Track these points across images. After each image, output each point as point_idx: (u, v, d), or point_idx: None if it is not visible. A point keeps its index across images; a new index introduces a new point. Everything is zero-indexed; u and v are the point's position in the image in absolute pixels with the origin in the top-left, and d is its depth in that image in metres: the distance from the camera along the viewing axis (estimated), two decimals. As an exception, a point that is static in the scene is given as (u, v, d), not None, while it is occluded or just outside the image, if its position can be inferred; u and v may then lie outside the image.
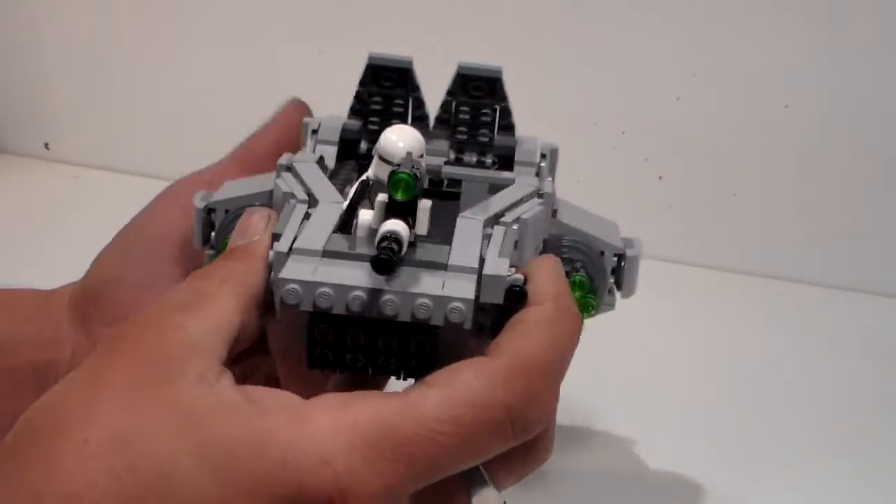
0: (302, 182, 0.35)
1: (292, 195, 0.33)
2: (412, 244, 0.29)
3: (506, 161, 0.41)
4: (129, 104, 0.85)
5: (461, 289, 0.28)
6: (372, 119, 0.40)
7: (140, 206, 0.42)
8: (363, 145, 0.40)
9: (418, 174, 0.28)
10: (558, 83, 0.77)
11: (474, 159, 0.40)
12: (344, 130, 0.41)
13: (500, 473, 0.29)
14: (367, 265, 0.27)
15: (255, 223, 0.32)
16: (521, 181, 0.38)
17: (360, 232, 0.30)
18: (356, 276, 0.28)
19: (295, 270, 0.28)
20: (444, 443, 0.25)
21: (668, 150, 0.76)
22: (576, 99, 0.77)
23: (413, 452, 0.25)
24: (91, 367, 0.27)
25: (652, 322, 0.67)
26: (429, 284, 0.28)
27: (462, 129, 0.40)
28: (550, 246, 0.37)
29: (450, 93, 0.41)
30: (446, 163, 0.40)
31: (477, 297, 0.29)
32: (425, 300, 0.28)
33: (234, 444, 0.24)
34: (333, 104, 0.85)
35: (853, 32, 0.70)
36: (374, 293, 0.28)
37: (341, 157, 0.40)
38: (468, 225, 0.32)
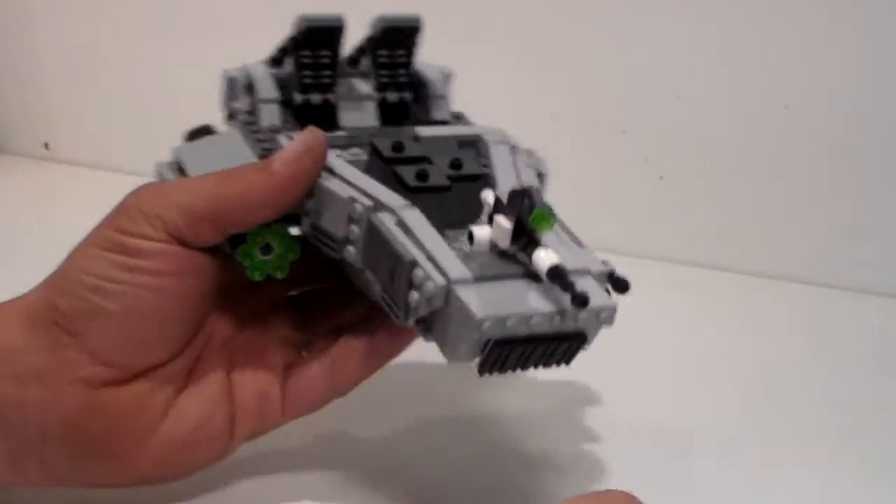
0: (352, 184, 0.36)
1: (354, 200, 0.35)
2: (507, 254, 0.32)
3: (418, 92, 0.46)
4: (129, 104, 0.85)
5: (601, 296, 0.32)
6: (305, 73, 0.42)
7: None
8: (298, 97, 0.42)
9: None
10: (558, 83, 0.77)
11: (396, 97, 0.44)
12: (281, 88, 0.43)
13: None
14: (525, 281, 0.31)
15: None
16: (490, 137, 0.42)
17: (481, 247, 0.33)
18: (532, 299, 0.31)
19: (480, 306, 0.30)
20: None
21: (668, 150, 0.76)
22: (576, 99, 0.77)
23: None
24: None
25: (652, 322, 0.67)
26: (564, 299, 0.31)
27: (383, 71, 0.44)
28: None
29: (370, 39, 0.44)
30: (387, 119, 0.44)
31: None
32: (587, 314, 0.31)
33: None
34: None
35: (853, 32, 0.70)
36: (554, 313, 0.31)
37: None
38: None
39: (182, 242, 0.36)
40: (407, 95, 0.45)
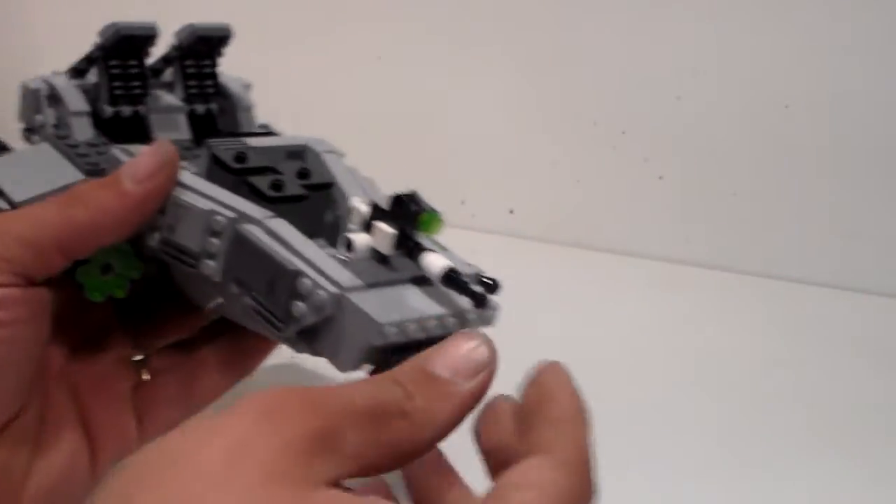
0: (208, 196, 0.34)
1: (214, 213, 0.34)
2: (387, 260, 0.32)
3: (222, 105, 0.45)
4: None
5: (465, 301, 0.31)
6: (115, 84, 0.41)
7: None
8: (108, 109, 0.41)
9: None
10: (558, 83, 0.77)
11: (203, 109, 0.44)
12: (91, 101, 0.42)
13: None
14: (413, 286, 0.31)
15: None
16: (317, 147, 0.39)
17: (360, 254, 0.31)
18: (426, 303, 0.31)
19: (380, 312, 0.29)
20: None
21: (668, 150, 0.76)
22: (576, 99, 0.77)
23: None
24: (243, 430, 0.23)
25: (652, 322, 0.67)
26: (454, 301, 0.31)
27: (192, 82, 0.43)
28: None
29: (177, 48, 0.43)
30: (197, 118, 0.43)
31: None
32: (452, 319, 0.31)
33: None
34: (332, 103, 0.85)
35: (853, 32, 0.70)
36: (449, 315, 0.31)
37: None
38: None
39: (28, 280, 0.33)
40: (214, 107, 0.44)
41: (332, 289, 0.30)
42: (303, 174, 0.37)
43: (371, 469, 0.24)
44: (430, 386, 0.26)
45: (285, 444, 0.23)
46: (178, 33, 0.43)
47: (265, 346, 0.40)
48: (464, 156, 0.82)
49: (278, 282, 0.31)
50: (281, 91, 0.94)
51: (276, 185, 0.36)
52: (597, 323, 0.66)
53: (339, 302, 0.30)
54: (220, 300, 0.36)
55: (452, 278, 0.30)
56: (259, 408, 0.23)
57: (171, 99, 0.43)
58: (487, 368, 0.26)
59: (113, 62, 0.41)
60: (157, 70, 0.44)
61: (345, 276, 0.30)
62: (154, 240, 0.35)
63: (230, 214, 0.33)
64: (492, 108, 0.80)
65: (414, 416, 0.25)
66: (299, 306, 0.31)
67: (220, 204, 0.34)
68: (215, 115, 0.44)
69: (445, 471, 0.31)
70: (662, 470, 0.49)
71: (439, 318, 0.30)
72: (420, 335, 0.30)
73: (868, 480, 0.49)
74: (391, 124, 0.83)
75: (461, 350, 0.26)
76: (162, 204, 0.34)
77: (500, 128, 0.80)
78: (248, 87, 0.47)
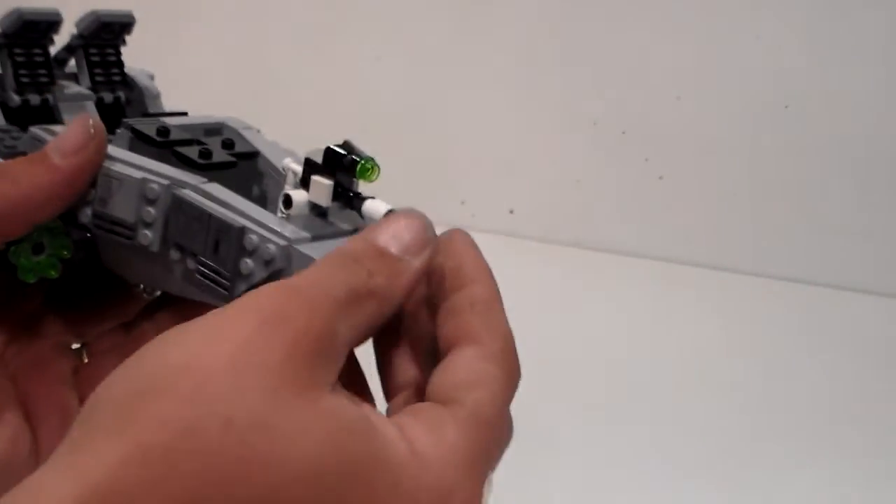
0: (138, 166, 0.35)
1: (148, 181, 0.34)
2: (326, 215, 0.33)
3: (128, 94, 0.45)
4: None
5: None
6: (21, 72, 0.41)
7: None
8: (15, 98, 0.41)
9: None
10: (558, 83, 0.77)
11: (111, 97, 0.43)
12: None
13: None
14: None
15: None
16: (234, 124, 0.40)
17: (300, 210, 0.32)
18: None
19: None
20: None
21: (668, 150, 0.76)
22: (576, 99, 0.77)
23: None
24: (247, 335, 0.24)
25: (652, 322, 0.67)
26: None
27: (98, 70, 0.44)
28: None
29: (80, 36, 0.43)
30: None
31: None
32: None
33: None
34: (332, 103, 0.85)
35: (853, 32, 0.70)
36: None
37: None
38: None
39: None
40: (122, 95, 0.44)
41: (281, 241, 0.30)
42: (227, 144, 0.38)
43: (350, 348, 0.25)
44: (385, 263, 0.27)
45: (290, 349, 0.23)
46: (81, 21, 0.43)
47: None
48: (464, 156, 0.82)
49: (224, 241, 0.32)
50: (281, 91, 0.94)
51: (205, 154, 0.36)
52: (597, 322, 0.66)
53: (289, 254, 0.31)
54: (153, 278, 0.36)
55: None
56: (260, 310, 0.24)
57: (78, 87, 0.43)
58: (430, 244, 0.28)
59: (17, 49, 0.41)
60: (60, 60, 0.44)
61: (290, 230, 0.31)
62: (86, 215, 0.35)
63: (164, 182, 0.34)
64: (492, 108, 0.80)
65: (378, 293, 0.26)
66: (247, 263, 0.31)
67: (152, 172, 0.34)
68: (123, 103, 0.44)
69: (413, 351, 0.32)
70: (662, 468, 0.49)
71: None
72: None
73: (868, 479, 0.49)
74: (391, 124, 0.83)
75: (401, 223, 0.28)
76: (93, 177, 0.35)
77: (500, 128, 0.80)
78: (152, 77, 0.47)
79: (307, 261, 0.30)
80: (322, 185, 0.32)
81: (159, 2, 0.82)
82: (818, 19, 0.70)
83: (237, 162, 0.37)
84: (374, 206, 0.31)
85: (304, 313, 0.24)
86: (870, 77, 0.70)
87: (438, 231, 0.30)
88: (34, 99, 0.42)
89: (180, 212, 0.33)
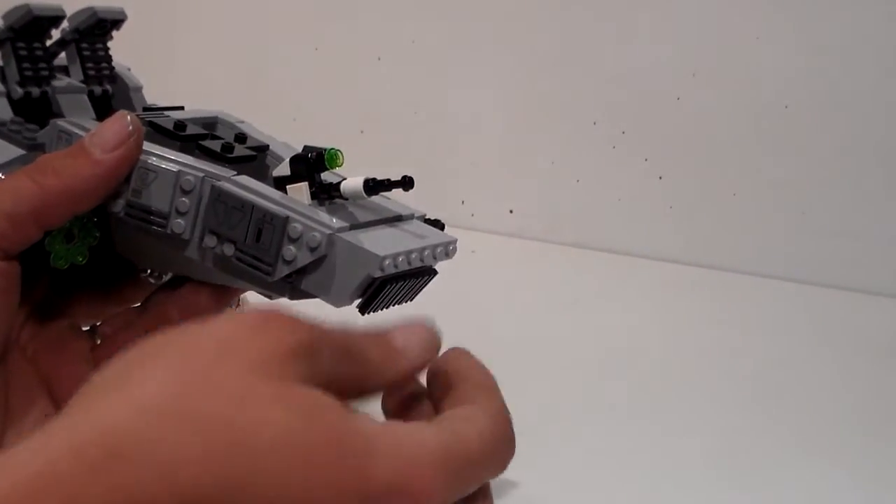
0: (171, 159, 0.36)
1: (184, 173, 0.36)
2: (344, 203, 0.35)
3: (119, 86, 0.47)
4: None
5: (443, 235, 0.35)
6: (24, 65, 0.42)
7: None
8: (18, 90, 0.42)
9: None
10: (558, 83, 0.77)
11: (100, 90, 0.45)
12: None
13: None
14: (388, 227, 0.34)
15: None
16: (227, 117, 0.42)
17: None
18: (405, 239, 0.34)
19: (376, 247, 0.32)
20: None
21: (668, 150, 0.76)
22: (576, 99, 0.77)
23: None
24: (229, 334, 0.26)
25: (652, 322, 0.67)
26: (435, 236, 0.35)
27: (90, 64, 0.45)
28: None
29: (75, 31, 0.44)
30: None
31: None
32: (440, 248, 0.34)
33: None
34: (332, 103, 0.85)
35: (853, 32, 0.70)
36: (425, 248, 0.34)
37: None
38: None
39: (6, 254, 0.34)
40: (110, 88, 0.46)
41: (325, 230, 0.33)
42: (240, 138, 0.40)
43: (332, 392, 0.26)
44: (387, 350, 0.30)
45: (270, 348, 0.25)
46: (76, 16, 0.44)
47: (222, 299, 0.41)
48: (464, 156, 0.82)
49: (267, 229, 0.34)
50: (281, 91, 0.95)
51: (228, 148, 0.38)
52: (596, 322, 0.66)
53: (332, 241, 0.33)
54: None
55: (373, 184, 0.33)
56: (251, 320, 0.26)
57: (70, 80, 0.44)
58: (434, 352, 0.30)
59: (20, 43, 0.42)
60: (51, 54, 0.45)
61: (332, 219, 0.33)
62: (118, 206, 0.37)
63: (198, 174, 0.35)
64: (492, 108, 0.80)
65: (369, 365, 0.28)
66: (291, 250, 0.33)
67: (186, 165, 0.36)
68: (111, 96, 0.46)
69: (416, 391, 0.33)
70: (662, 468, 0.49)
71: (419, 251, 0.33)
72: (407, 266, 0.33)
73: (869, 479, 0.49)
74: (391, 124, 0.83)
75: (415, 327, 0.30)
76: (130, 170, 0.36)
77: (500, 128, 0.80)
78: (129, 69, 0.48)
79: (348, 247, 0.32)
80: (298, 189, 0.34)
81: (159, 2, 0.82)
82: (818, 20, 0.70)
83: (256, 155, 0.39)
84: (351, 183, 0.34)
85: (291, 326, 0.26)
86: (870, 77, 0.70)
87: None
88: (35, 91, 0.42)
89: (219, 202, 0.35)
